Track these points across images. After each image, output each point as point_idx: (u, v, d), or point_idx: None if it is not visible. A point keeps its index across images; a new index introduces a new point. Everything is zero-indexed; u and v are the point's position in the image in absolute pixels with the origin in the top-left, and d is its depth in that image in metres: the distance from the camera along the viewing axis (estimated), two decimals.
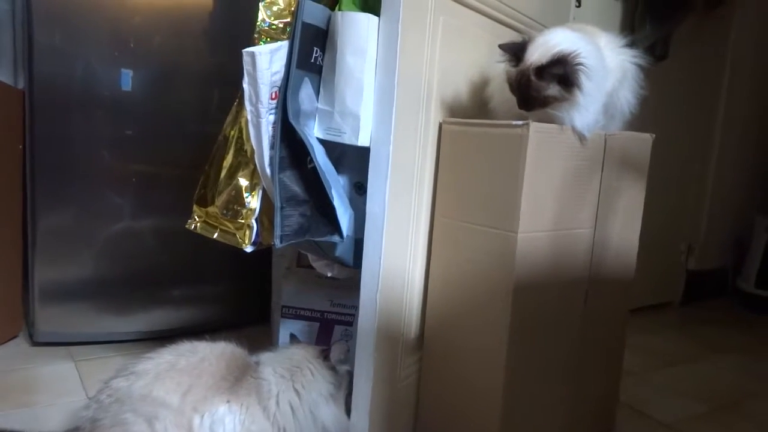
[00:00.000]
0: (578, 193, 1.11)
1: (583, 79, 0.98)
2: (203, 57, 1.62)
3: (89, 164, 1.54)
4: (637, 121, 1.20)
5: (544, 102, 1.01)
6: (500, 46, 1.05)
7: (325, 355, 1.14)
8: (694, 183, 2.42)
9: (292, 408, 1.05)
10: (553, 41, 1.00)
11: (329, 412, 1.08)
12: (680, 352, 1.95)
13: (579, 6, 1.66)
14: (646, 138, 1.26)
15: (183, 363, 1.03)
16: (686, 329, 2.24)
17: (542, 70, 0.99)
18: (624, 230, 1.24)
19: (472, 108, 1.18)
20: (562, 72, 0.98)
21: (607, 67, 1.06)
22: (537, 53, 1.00)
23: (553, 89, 1.00)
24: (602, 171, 1.14)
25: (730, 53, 2.37)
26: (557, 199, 1.06)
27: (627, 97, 1.13)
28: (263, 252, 1.38)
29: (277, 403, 1.04)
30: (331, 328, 1.40)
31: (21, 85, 1.57)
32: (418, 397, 1.18)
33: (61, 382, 1.39)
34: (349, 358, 1.16)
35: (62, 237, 1.54)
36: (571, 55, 0.97)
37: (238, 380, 1.04)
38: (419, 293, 1.14)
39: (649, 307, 2.33)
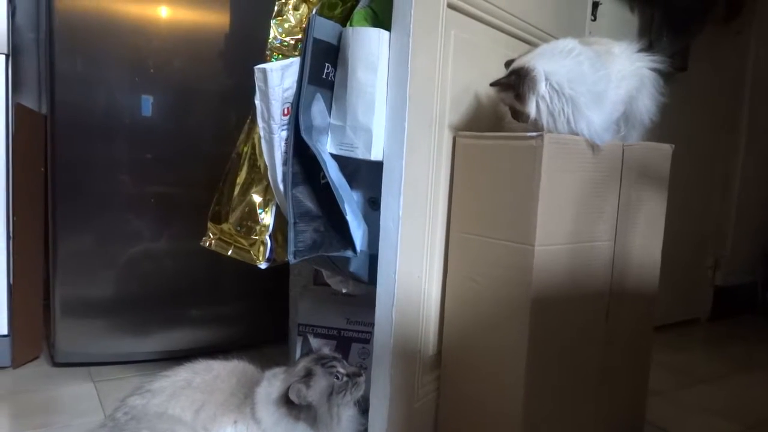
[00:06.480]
0: (596, 204, 1.09)
1: (530, 95, 0.99)
2: (220, 79, 1.64)
3: (109, 187, 1.56)
4: (658, 133, 1.18)
5: (513, 112, 1.05)
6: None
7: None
8: (719, 196, 2.38)
9: None
10: (528, 56, 1.03)
11: None
12: (709, 370, 1.89)
13: (594, 20, 1.65)
14: (666, 148, 1.23)
15: (198, 381, 1.02)
16: (715, 346, 2.18)
17: (499, 83, 1.04)
18: (645, 243, 1.22)
19: (487, 122, 1.17)
20: (511, 84, 1.02)
21: (613, 77, 1.05)
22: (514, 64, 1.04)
23: (509, 98, 1.04)
24: (621, 182, 1.12)
25: (751, 65, 2.33)
26: (575, 211, 1.04)
27: (646, 105, 1.11)
28: (280, 271, 1.38)
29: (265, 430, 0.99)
30: (348, 346, 1.39)
31: (44, 110, 1.60)
32: (436, 416, 1.15)
33: (80, 402, 1.39)
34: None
35: (83, 259, 1.55)
36: (524, 70, 1.00)
37: (246, 397, 1.02)
38: (436, 309, 1.12)
39: (676, 324, 2.26)
